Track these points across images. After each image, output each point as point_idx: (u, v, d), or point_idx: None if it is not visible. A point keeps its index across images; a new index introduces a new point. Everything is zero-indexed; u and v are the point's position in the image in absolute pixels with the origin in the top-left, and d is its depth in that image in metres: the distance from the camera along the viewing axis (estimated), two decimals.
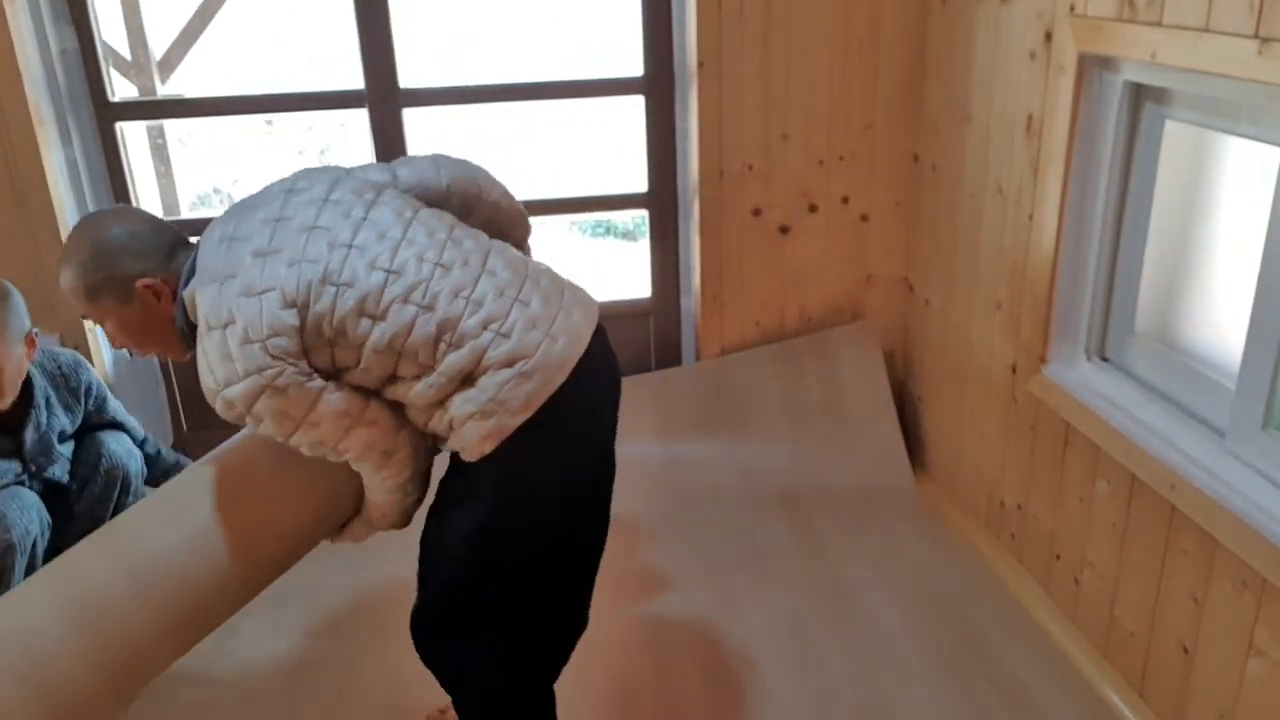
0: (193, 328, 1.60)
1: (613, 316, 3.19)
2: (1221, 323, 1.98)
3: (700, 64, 2.83)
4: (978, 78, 2.55)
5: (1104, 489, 2.14)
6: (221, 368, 1.53)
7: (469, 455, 1.59)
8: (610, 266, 8.18)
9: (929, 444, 3.07)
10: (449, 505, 1.67)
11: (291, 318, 1.53)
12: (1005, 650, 2.32)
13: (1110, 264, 2.18)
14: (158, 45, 6.18)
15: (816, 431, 3.08)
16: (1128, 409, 2.07)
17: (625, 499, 2.97)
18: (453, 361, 1.56)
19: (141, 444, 2.48)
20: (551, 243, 8.74)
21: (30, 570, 2.18)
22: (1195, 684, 1.90)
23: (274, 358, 1.52)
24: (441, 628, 1.73)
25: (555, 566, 1.76)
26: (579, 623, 1.91)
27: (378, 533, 1.83)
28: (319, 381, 1.55)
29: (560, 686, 2.23)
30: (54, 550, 2.28)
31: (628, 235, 8.46)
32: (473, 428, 1.56)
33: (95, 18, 2.76)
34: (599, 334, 1.75)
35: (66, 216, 2.71)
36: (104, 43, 2.82)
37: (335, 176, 1.71)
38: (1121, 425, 2.03)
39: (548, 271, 1.75)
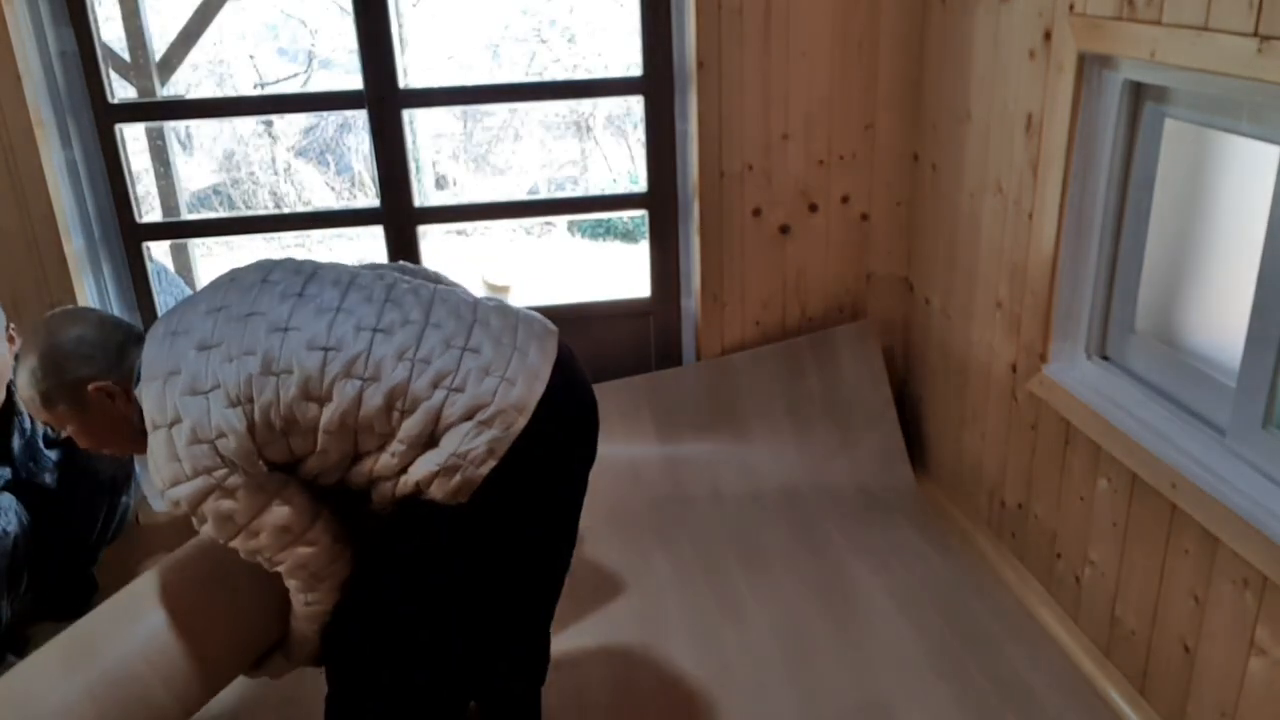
0: None
1: (613, 316, 3.23)
2: (1222, 321, 1.98)
3: (700, 64, 2.83)
4: (977, 77, 2.55)
5: (1105, 488, 2.14)
6: (168, 467, 1.52)
7: (443, 501, 1.56)
8: (610, 266, 8.18)
9: (929, 443, 3.07)
10: (399, 535, 1.64)
11: (237, 419, 1.50)
12: (1006, 649, 2.32)
13: (1110, 263, 2.18)
14: (157, 47, 6.18)
15: (817, 431, 3.09)
16: (1128, 408, 2.07)
17: (625, 498, 2.98)
18: (409, 427, 1.54)
19: None
20: (552, 243, 8.75)
21: (14, 573, 2.17)
22: (1196, 682, 1.90)
23: (223, 458, 1.50)
24: (366, 652, 1.71)
25: (496, 610, 1.74)
26: (508, 663, 1.93)
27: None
28: (270, 489, 1.54)
29: (560, 688, 2.24)
30: (36, 551, 2.27)
31: (628, 235, 8.47)
32: (439, 486, 1.54)
33: (95, 20, 2.76)
34: (564, 363, 1.69)
35: (67, 218, 2.72)
36: (103, 44, 2.82)
37: (275, 262, 1.69)
38: (1122, 424, 2.03)
39: (498, 309, 1.70)
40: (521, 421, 1.57)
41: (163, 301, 3.09)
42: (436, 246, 8.32)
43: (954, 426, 2.87)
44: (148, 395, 1.54)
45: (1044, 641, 2.34)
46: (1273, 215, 1.68)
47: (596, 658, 2.34)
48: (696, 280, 3.10)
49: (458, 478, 1.54)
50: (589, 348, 3.21)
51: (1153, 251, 2.11)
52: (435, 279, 1.83)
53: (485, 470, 1.54)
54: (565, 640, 2.40)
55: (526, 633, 1.94)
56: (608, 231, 8.55)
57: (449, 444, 1.53)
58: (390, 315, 1.59)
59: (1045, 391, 2.31)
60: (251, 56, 9.84)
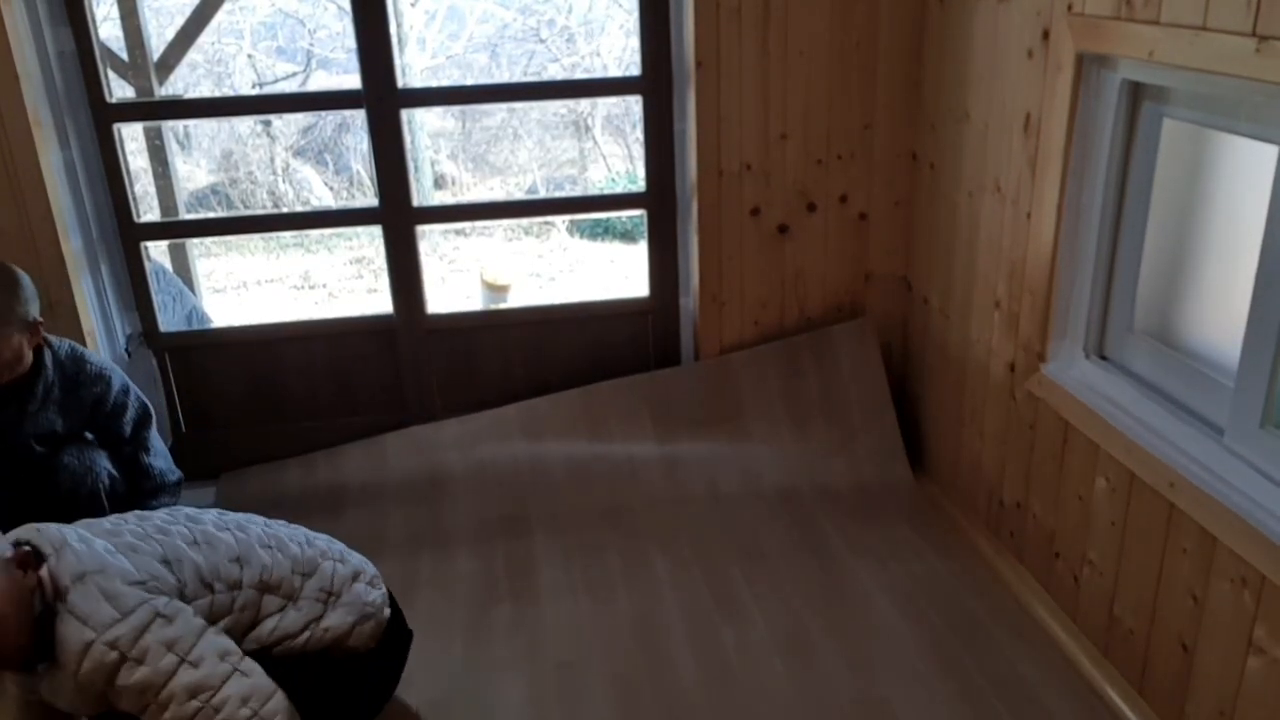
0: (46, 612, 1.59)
1: (611, 316, 3.23)
2: (1220, 320, 1.98)
3: (698, 64, 2.83)
4: (976, 76, 2.55)
5: (1103, 487, 2.14)
6: (99, 611, 1.57)
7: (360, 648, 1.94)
8: (609, 266, 8.19)
9: (928, 442, 3.07)
10: (328, 682, 1.89)
11: (166, 571, 1.70)
12: (1005, 649, 2.32)
13: (1109, 262, 2.18)
14: (155, 46, 6.18)
15: (816, 430, 3.09)
16: (1127, 407, 2.07)
17: (624, 498, 2.98)
18: (312, 586, 1.90)
19: (153, 474, 2.53)
20: (551, 243, 8.75)
21: None
22: (1195, 681, 1.91)
23: (164, 588, 1.67)
24: None
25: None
26: None
27: None
28: (202, 619, 1.70)
29: (562, 687, 2.24)
30: None
31: (626, 235, 8.47)
32: (358, 635, 1.92)
33: (93, 20, 2.76)
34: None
35: (65, 218, 2.71)
36: (101, 44, 2.82)
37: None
38: (1120, 423, 2.03)
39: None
40: (384, 587, 2.04)
41: (161, 301, 3.09)
42: (435, 246, 8.31)
43: (952, 426, 2.87)
44: (69, 553, 1.61)
45: (1042, 640, 2.34)
46: (1271, 214, 1.68)
47: (596, 658, 2.34)
48: (695, 280, 3.10)
49: (371, 623, 1.95)
50: (588, 347, 3.21)
51: (1151, 251, 2.11)
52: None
53: (387, 614, 2.00)
54: (565, 639, 2.40)
55: None
56: (606, 231, 8.55)
57: (353, 598, 1.94)
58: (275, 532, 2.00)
59: (1044, 391, 2.31)
60: (250, 56, 9.84)
